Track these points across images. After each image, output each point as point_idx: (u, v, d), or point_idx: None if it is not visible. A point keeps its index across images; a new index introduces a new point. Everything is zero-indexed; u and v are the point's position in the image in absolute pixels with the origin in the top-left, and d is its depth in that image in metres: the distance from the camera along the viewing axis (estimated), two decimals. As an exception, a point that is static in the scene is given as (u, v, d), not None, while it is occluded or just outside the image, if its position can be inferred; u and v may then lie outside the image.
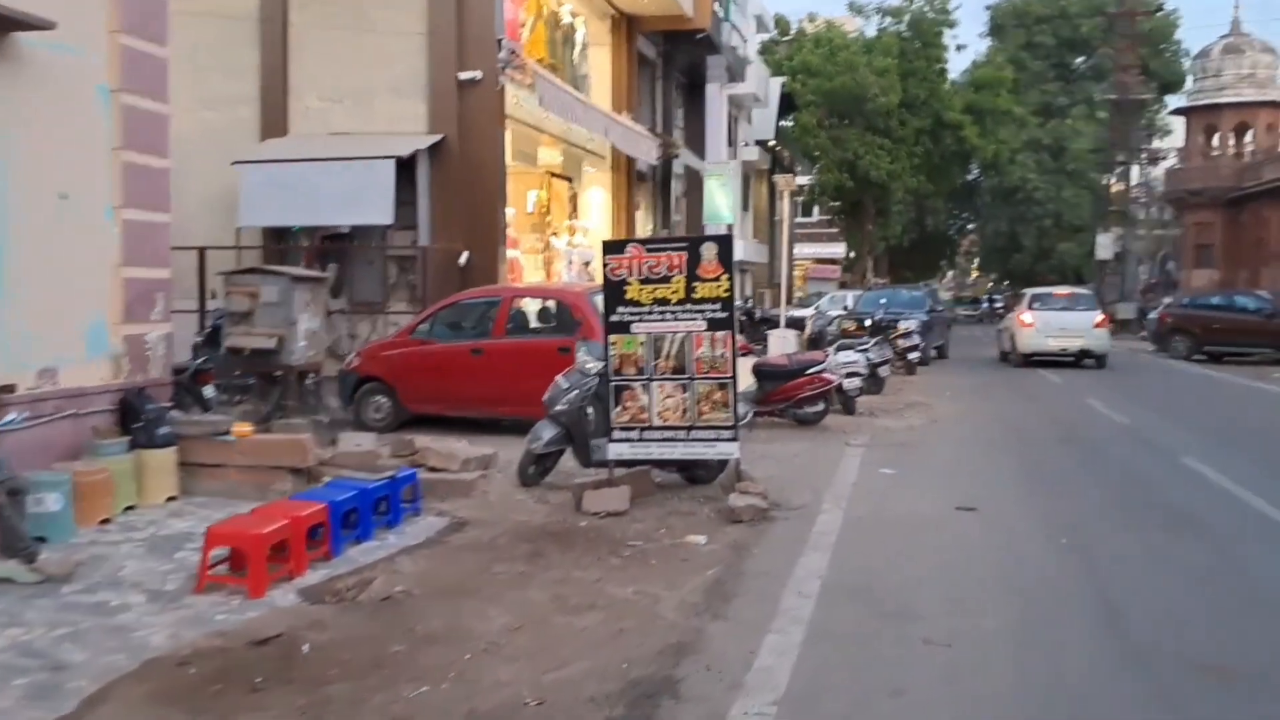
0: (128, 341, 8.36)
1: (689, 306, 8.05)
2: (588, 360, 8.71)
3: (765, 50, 43.55)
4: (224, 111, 16.00)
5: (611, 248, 8.31)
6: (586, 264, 18.86)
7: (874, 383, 15.68)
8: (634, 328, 8.14)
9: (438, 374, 11.68)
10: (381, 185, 14.28)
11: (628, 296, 8.13)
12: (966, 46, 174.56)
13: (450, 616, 5.57)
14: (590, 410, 8.81)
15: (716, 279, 8.00)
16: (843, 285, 47.83)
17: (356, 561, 6.77)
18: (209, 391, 10.78)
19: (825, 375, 12.61)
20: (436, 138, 15.03)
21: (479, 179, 15.12)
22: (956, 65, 73.86)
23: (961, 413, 14.74)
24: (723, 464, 8.63)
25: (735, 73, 29.95)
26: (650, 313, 8.11)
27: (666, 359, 8.13)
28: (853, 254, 51.37)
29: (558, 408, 8.71)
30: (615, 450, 8.24)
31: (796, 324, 23.59)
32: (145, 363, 8.55)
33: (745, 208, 36.23)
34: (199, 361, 10.91)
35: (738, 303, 31.15)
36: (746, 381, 13.98)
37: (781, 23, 48.04)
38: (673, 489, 8.76)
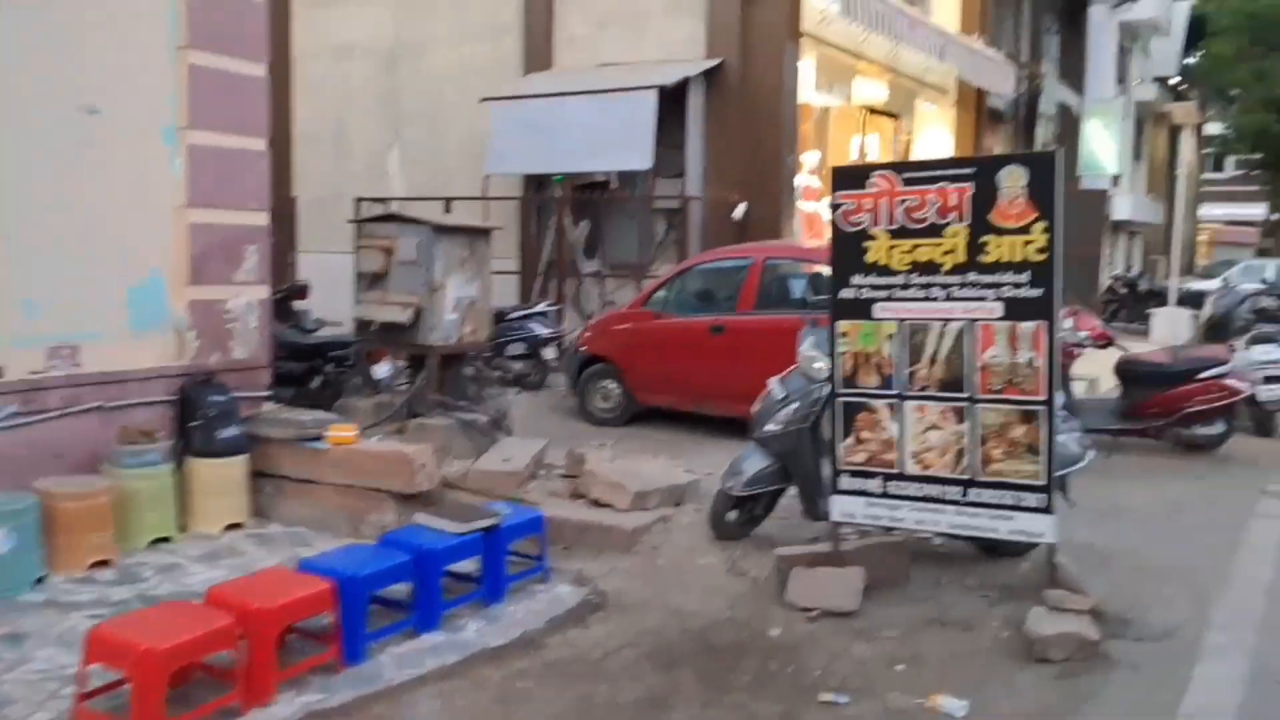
0: (195, 309, 6.22)
1: (974, 277, 4.70)
2: (815, 357, 5.59)
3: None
4: (486, 43, 14.04)
5: (846, 177, 5.06)
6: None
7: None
8: (877, 309, 4.90)
9: (668, 356, 8.97)
10: (641, 123, 11.66)
11: (869, 259, 4.90)
12: None
13: None
14: (822, 433, 5.72)
15: (1024, 229, 4.60)
16: (1261, 253, 39.57)
17: (377, 679, 4.21)
18: (383, 371, 8.69)
19: (1229, 381, 8.51)
20: (712, 63, 12.19)
21: (764, 113, 12.09)
22: None
23: None
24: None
25: (1129, -8, 24.64)
26: (906, 286, 4.84)
27: (931, 364, 4.84)
28: (1275, 215, 42.56)
29: (768, 428, 5.66)
30: (841, 507, 5.08)
31: (1193, 300, 18.53)
32: (224, 338, 6.40)
33: (1137, 157, 30.22)
34: (370, 334, 8.82)
35: (1120, 270, 26.07)
36: (1107, 384, 10.13)
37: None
38: (951, 562, 5.50)
